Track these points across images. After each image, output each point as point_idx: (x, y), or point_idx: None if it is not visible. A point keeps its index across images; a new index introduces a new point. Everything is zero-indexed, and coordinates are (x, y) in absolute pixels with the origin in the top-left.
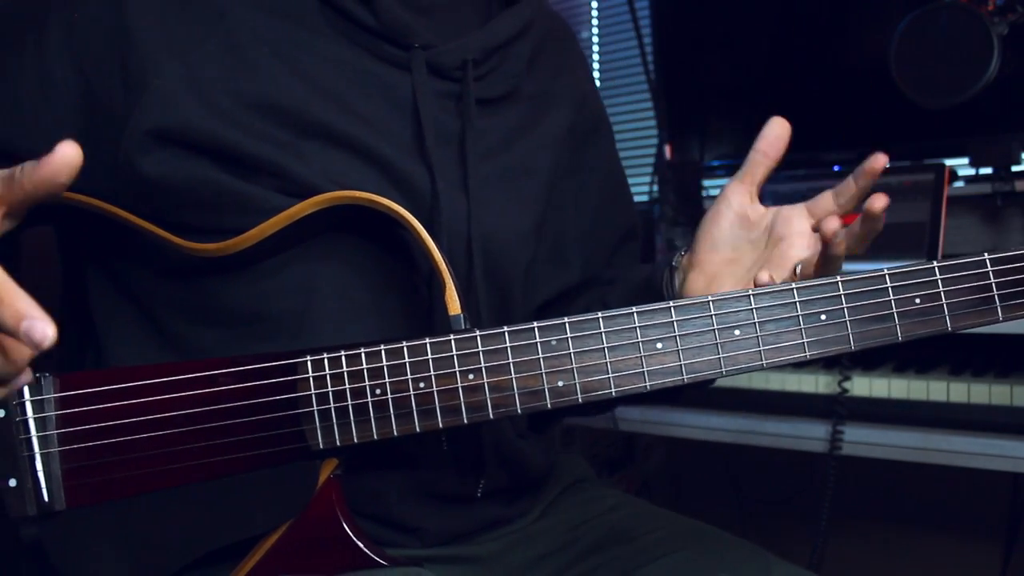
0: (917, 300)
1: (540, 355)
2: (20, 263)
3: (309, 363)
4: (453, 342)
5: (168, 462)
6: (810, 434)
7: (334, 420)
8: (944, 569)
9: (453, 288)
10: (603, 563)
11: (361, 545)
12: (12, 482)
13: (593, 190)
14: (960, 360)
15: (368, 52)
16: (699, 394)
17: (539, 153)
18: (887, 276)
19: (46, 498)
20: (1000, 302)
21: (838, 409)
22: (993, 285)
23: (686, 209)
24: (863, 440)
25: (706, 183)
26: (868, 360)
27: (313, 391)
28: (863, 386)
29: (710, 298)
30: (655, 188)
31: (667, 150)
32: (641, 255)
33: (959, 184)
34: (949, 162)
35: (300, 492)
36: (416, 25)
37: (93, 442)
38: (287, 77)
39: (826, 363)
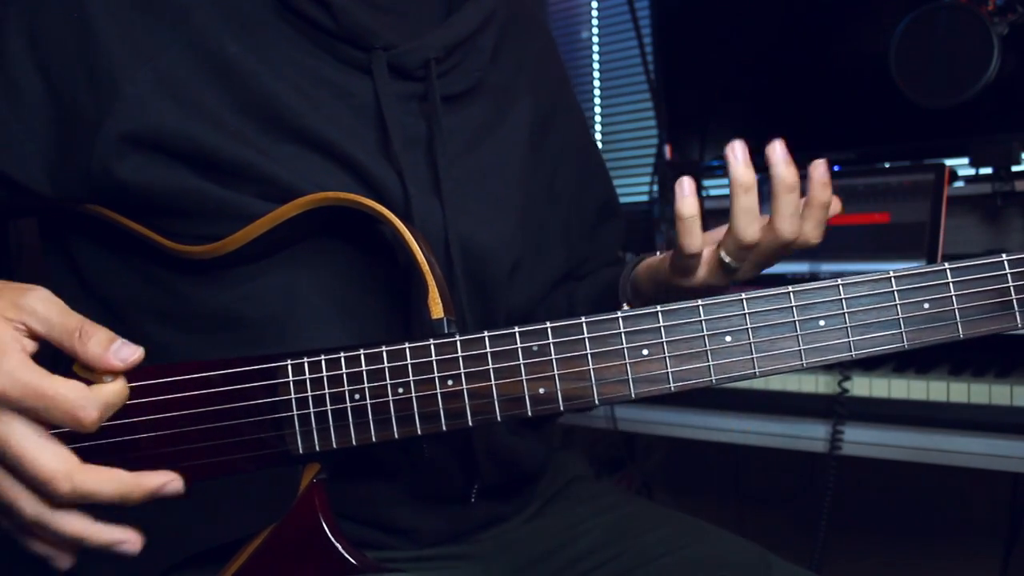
0: (926, 305)
1: (521, 361)
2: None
3: (289, 367)
4: (433, 347)
5: (151, 466)
6: (810, 434)
7: (313, 425)
8: (944, 569)
9: (436, 291)
10: (603, 562)
11: (342, 550)
12: None
13: (564, 176)
14: (960, 360)
15: (329, 55)
16: (700, 394)
17: (508, 152)
18: (893, 279)
19: None
20: (1019, 307)
21: (838, 409)
22: (1011, 288)
23: None
24: (863, 440)
25: (706, 183)
26: (868, 360)
27: (293, 395)
28: (863, 386)
29: (700, 303)
30: (655, 188)
31: (667, 150)
32: (639, 253)
33: (959, 184)
34: (949, 162)
35: (282, 496)
36: (375, 25)
37: (74, 446)
38: (257, 80)
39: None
